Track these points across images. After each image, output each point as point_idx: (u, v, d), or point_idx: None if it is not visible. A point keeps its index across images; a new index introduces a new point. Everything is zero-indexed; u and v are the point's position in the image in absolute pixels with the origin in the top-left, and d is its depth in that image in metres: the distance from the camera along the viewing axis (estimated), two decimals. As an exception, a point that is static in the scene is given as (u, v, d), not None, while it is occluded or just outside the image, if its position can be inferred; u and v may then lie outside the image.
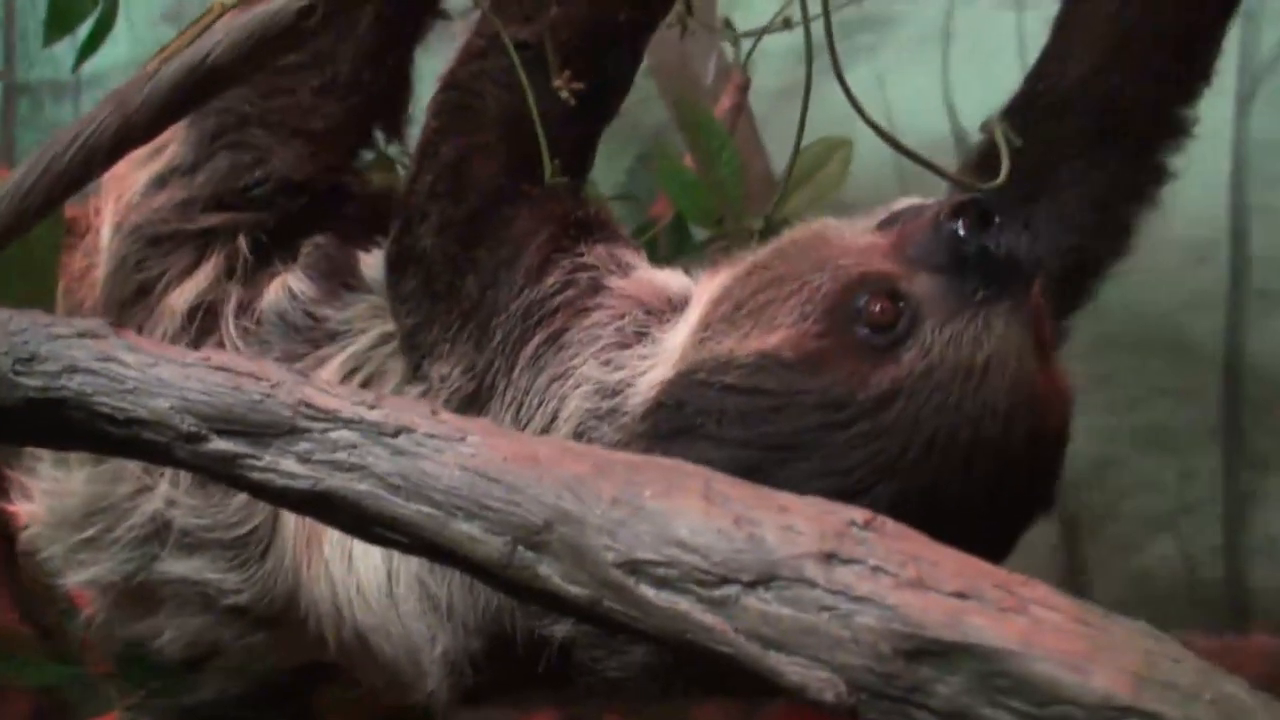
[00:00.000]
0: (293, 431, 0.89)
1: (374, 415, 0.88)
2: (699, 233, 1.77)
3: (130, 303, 1.45)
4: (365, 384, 1.33)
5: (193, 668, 1.52)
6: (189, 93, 1.06)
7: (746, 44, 2.01)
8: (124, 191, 1.49)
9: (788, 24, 1.80)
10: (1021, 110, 1.33)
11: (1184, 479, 2.00)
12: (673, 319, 1.20)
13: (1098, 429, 2.01)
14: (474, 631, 1.23)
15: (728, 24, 2.05)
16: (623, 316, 1.21)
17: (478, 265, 1.24)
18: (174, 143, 1.49)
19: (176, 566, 1.42)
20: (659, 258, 1.78)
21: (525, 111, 1.23)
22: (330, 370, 1.35)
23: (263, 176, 1.46)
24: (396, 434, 0.88)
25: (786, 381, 1.06)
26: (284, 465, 0.89)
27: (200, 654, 1.50)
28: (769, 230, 1.62)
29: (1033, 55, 2.13)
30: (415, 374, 1.28)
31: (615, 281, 1.23)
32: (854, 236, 1.14)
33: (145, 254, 1.46)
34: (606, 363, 1.18)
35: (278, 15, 1.06)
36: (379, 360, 1.34)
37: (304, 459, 0.89)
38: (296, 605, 1.37)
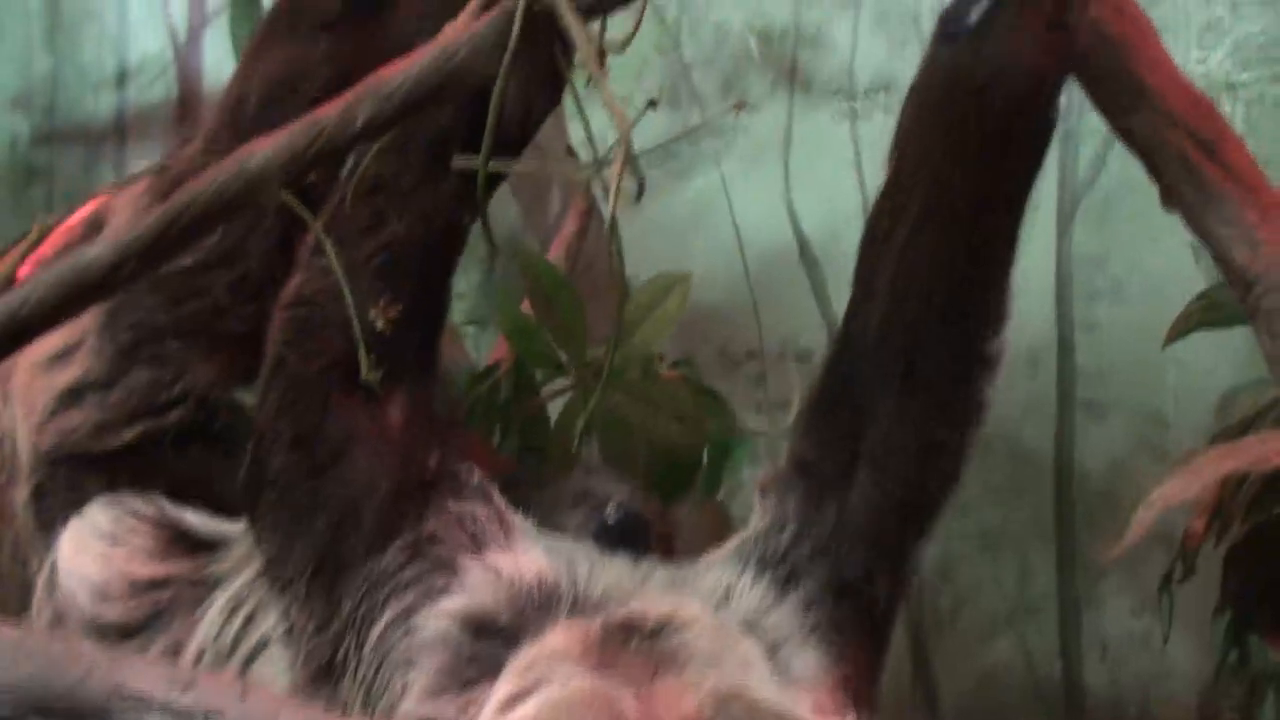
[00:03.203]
0: (105, 715, 0.92)
1: (185, 700, 0.91)
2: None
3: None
4: (247, 621, 1.33)
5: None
6: None
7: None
8: (34, 406, 1.45)
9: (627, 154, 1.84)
10: (845, 346, 1.31)
11: (1023, 579, 2.07)
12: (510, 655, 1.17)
13: (942, 530, 2.07)
14: None
15: (570, 151, 2.10)
16: (467, 628, 1.19)
17: (324, 503, 1.24)
18: (83, 352, 1.45)
19: None
20: (501, 401, 1.82)
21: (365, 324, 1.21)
22: (214, 611, 1.35)
23: (182, 393, 1.43)
24: (206, 719, 0.91)
25: None
26: (97, 750, 0.92)
27: None
28: (611, 376, 1.66)
29: (868, 164, 2.21)
30: (285, 612, 1.27)
31: (467, 563, 1.22)
32: None
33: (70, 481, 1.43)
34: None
35: (90, 267, 1.08)
36: (259, 594, 1.33)
37: (117, 743, 0.91)
38: None
